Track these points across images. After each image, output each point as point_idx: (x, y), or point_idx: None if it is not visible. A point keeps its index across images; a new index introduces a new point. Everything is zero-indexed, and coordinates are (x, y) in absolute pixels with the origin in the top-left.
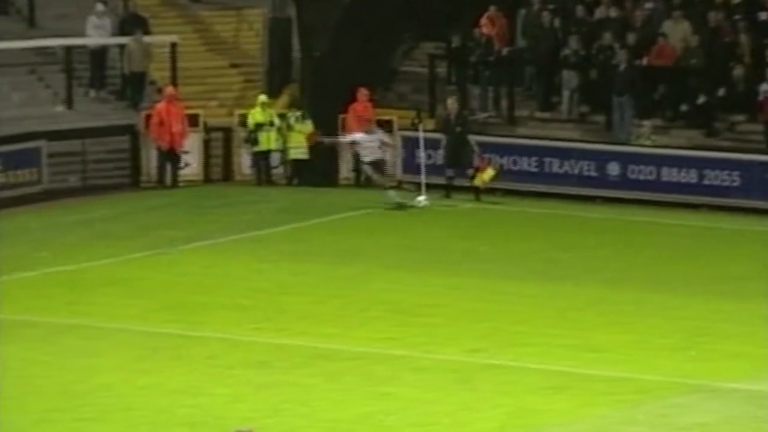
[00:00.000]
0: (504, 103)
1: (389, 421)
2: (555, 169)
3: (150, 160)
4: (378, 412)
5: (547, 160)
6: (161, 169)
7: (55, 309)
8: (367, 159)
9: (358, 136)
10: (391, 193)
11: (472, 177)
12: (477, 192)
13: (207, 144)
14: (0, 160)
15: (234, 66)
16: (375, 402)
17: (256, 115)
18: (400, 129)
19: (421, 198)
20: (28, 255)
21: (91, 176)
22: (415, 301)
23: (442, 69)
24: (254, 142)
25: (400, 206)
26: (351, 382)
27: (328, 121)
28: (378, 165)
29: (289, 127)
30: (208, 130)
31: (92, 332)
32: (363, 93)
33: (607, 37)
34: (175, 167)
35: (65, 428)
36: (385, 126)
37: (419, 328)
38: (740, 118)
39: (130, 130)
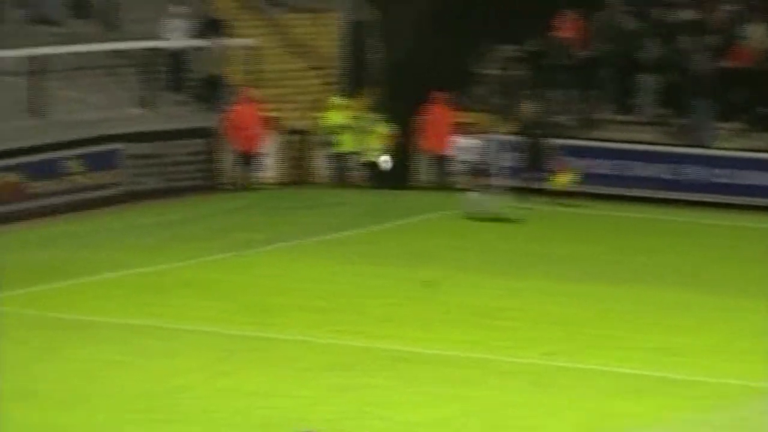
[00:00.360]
0: (581, 106)
1: (469, 424)
2: (633, 172)
3: (227, 162)
4: (458, 416)
5: (625, 163)
6: (238, 171)
7: (133, 310)
8: (464, 164)
9: (461, 141)
10: (504, 201)
11: (550, 180)
12: (554, 195)
13: (284, 146)
14: (80, 162)
15: (312, 68)
16: (455, 405)
17: (333, 118)
18: (478, 132)
19: (385, 158)
20: (108, 256)
21: (169, 178)
22: (493, 304)
23: (520, 72)
24: (331, 144)
25: (491, 213)
26: (431, 385)
27: (405, 124)
28: (475, 170)
29: (367, 130)
30: (285, 132)
31: (170, 334)
32: (440, 96)
33: (686, 40)
34: (252, 169)
35: (143, 429)
36: (464, 129)
37: (498, 331)
38: None
39: (208, 133)
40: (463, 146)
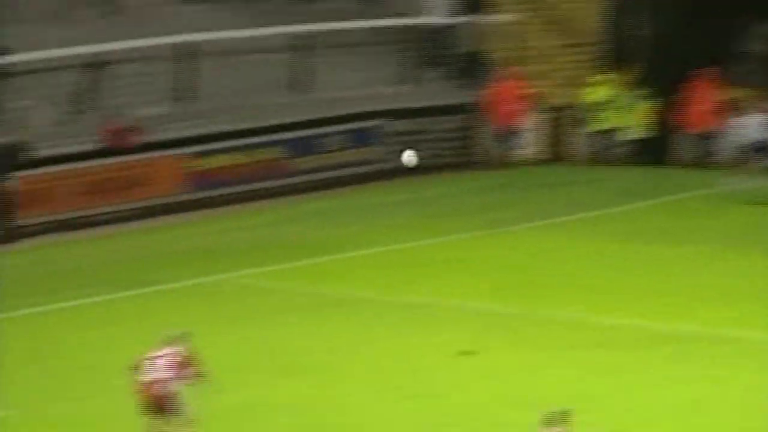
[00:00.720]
0: None
1: (727, 405)
2: None
3: (486, 139)
4: (716, 396)
5: None
6: (497, 148)
7: (390, 286)
8: (738, 143)
9: (738, 119)
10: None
11: None
12: None
13: (543, 123)
14: (340, 139)
15: (573, 45)
16: (711, 385)
17: (594, 94)
18: (742, 109)
19: (410, 153)
20: (367, 233)
21: (427, 155)
22: (751, 284)
23: None
24: (592, 121)
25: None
26: (691, 364)
27: (667, 100)
28: (749, 149)
29: (627, 107)
30: (545, 109)
31: (431, 311)
32: (705, 73)
33: None
34: (511, 146)
35: (398, 405)
36: (728, 106)
37: (754, 310)
38: None
39: (467, 110)
40: (740, 124)
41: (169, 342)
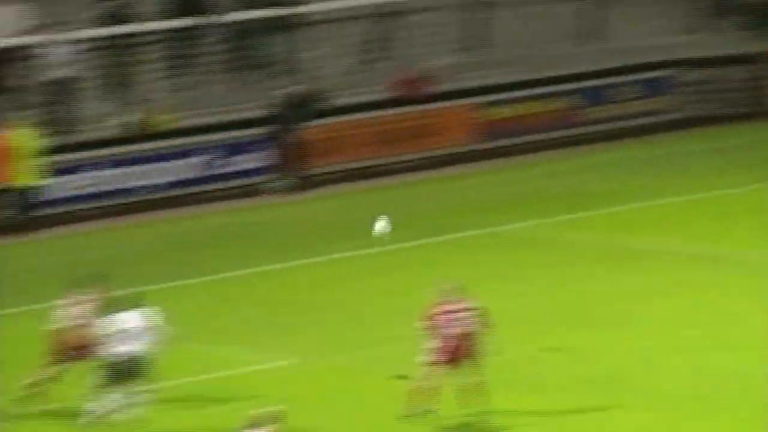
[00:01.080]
0: None
1: None
2: None
3: None
4: None
5: None
6: None
7: (684, 238)
8: None
9: None
10: None
11: None
12: None
13: None
14: (633, 89)
15: None
16: None
17: None
18: None
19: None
20: (660, 183)
21: (719, 105)
22: None
23: None
24: None
25: None
26: None
27: None
28: None
29: None
30: None
31: (724, 263)
32: None
33: None
34: None
35: (695, 356)
36: None
37: None
38: None
39: (760, 59)
40: None
41: (450, 293)
